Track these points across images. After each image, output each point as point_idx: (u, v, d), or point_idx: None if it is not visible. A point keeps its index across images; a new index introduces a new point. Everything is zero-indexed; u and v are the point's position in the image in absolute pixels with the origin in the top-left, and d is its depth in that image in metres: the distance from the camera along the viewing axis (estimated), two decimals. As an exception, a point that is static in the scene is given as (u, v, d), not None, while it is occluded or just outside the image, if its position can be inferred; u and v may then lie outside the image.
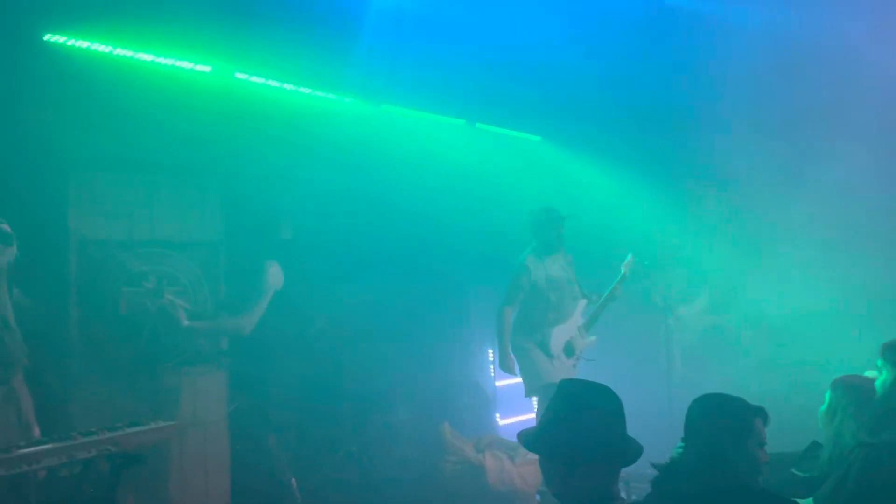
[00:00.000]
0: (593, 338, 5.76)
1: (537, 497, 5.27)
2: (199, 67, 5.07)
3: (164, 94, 4.77)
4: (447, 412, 6.50)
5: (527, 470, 5.24)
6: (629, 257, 5.83)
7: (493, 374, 7.46)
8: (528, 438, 2.27)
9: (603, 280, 6.11)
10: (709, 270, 7.67)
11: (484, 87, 6.42)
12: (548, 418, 2.26)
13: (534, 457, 5.23)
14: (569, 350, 5.51)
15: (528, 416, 6.92)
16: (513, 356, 5.60)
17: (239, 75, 5.36)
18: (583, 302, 5.79)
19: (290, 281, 5.41)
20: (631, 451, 2.17)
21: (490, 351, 7.50)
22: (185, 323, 4.48)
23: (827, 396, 3.26)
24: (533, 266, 5.60)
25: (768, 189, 7.13)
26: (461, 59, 5.95)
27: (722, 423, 2.42)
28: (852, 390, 3.19)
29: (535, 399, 5.81)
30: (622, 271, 5.79)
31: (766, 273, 7.21)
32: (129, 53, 4.70)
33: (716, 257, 7.59)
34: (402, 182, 6.16)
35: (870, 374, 3.43)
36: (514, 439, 5.70)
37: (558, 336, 5.51)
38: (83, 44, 4.51)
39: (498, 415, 7.37)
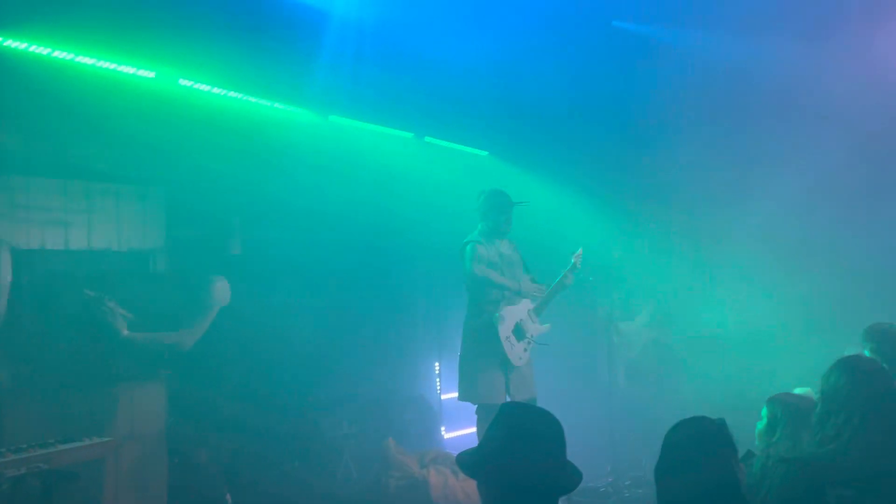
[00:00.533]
0: (547, 325, 5.68)
1: (480, 511, 5.26)
2: (142, 73, 4.96)
3: (104, 99, 4.64)
4: (392, 427, 6.47)
5: (470, 486, 5.21)
6: (579, 249, 5.75)
7: (438, 388, 7.45)
8: (467, 462, 2.26)
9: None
10: (651, 286, 7.83)
11: (432, 101, 6.46)
12: (488, 442, 2.24)
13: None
14: (519, 332, 5.39)
15: (473, 429, 6.92)
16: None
17: (183, 82, 5.25)
18: (532, 286, 5.63)
19: (236, 295, 5.32)
20: (570, 478, 2.18)
21: (436, 364, 7.50)
22: (125, 333, 4.32)
23: (763, 413, 3.34)
24: (483, 244, 5.44)
25: (711, 206, 7.36)
26: (410, 74, 5.98)
27: (723, 449, 2.42)
28: (788, 408, 3.27)
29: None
30: (572, 261, 5.67)
31: (708, 289, 7.43)
32: (68, 56, 4.56)
33: (659, 272, 7.76)
34: (349, 194, 6.13)
35: (800, 390, 3.53)
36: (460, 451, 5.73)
37: (510, 316, 5.34)
38: (21, 45, 4.36)
39: (443, 428, 7.36)
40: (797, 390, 3.89)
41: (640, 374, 7.63)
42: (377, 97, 6.13)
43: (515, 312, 5.39)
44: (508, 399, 5.23)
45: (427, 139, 7.27)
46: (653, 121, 7.18)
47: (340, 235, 6.18)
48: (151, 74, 4.99)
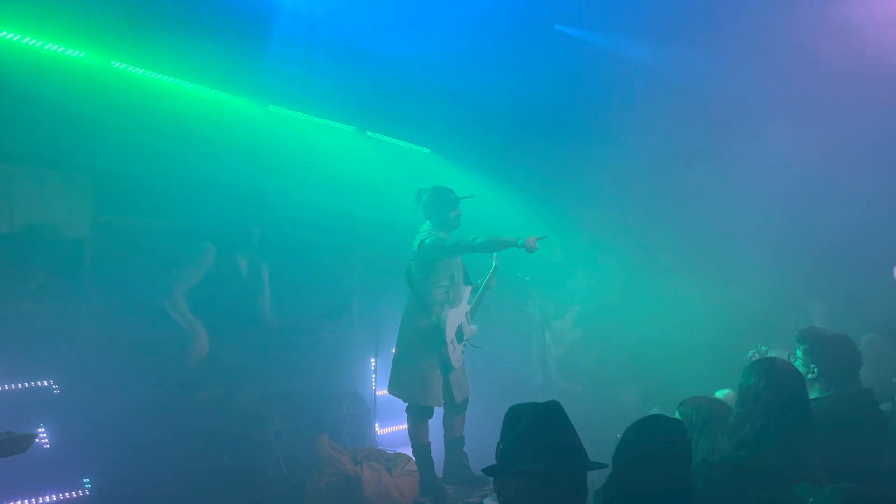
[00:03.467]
0: (474, 326, 5.71)
1: (413, 509, 5.25)
2: (71, 52, 4.75)
3: (26, 79, 4.42)
4: (325, 423, 6.37)
5: (404, 482, 5.20)
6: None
7: (373, 384, 7.40)
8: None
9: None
10: (584, 286, 7.97)
11: (375, 95, 6.40)
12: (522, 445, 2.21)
13: (411, 468, 5.25)
14: (459, 335, 5.39)
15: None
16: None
17: (115, 63, 5.07)
18: (469, 288, 5.61)
19: (166, 289, 5.17)
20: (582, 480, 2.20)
21: (372, 360, 7.44)
22: None
23: (677, 416, 3.40)
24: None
25: (646, 210, 7.53)
26: (353, 66, 5.92)
27: (682, 451, 2.46)
28: (701, 411, 3.33)
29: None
30: (493, 263, 5.67)
31: (639, 291, 7.60)
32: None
33: (593, 274, 7.90)
34: (286, 186, 6.01)
35: (720, 394, 3.62)
36: (392, 449, 5.68)
37: (453, 319, 5.31)
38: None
39: (377, 425, 7.30)
40: (718, 393, 3.98)
41: (569, 370, 7.77)
42: (319, 89, 6.04)
43: (457, 315, 5.40)
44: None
45: (369, 133, 7.20)
46: (592, 124, 7.31)
47: (274, 227, 6.06)
48: (80, 54, 4.80)
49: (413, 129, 7.43)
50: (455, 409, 5.45)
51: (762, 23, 6.05)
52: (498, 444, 2.28)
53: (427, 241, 5.30)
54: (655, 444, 2.48)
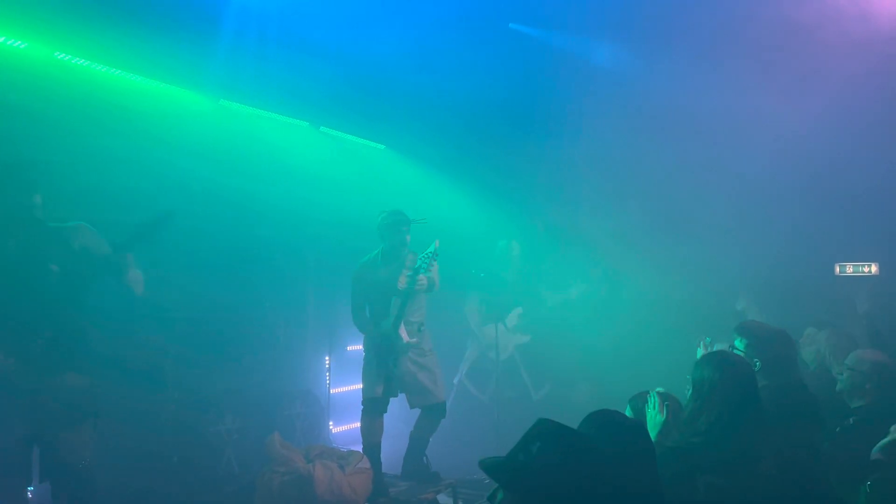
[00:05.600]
0: (414, 339, 5.75)
1: (365, 506, 5.23)
2: (12, 43, 4.61)
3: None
4: (278, 421, 6.32)
5: (357, 480, 5.17)
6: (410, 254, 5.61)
7: (328, 382, 7.35)
8: (501, 471, 2.14)
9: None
10: (529, 287, 8.02)
11: (329, 91, 6.35)
12: (530, 459, 2.14)
13: (364, 465, 5.22)
14: (398, 349, 5.44)
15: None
16: None
17: (59, 55, 4.93)
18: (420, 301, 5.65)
19: (112, 284, 5.01)
20: None
21: (326, 358, 7.39)
22: None
23: (627, 411, 3.46)
24: (366, 271, 5.55)
25: (594, 210, 7.64)
26: (307, 61, 5.85)
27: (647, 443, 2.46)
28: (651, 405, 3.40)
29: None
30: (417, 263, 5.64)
31: (584, 291, 7.72)
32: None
33: (539, 274, 7.98)
34: (240, 181, 5.92)
35: (659, 390, 3.69)
36: (346, 447, 5.66)
37: (392, 335, 5.41)
38: None
39: (332, 423, 7.26)
40: (658, 389, 4.06)
41: (512, 373, 7.87)
42: (271, 83, 5.96)
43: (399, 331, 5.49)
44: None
45: (323, 129, 7.15)
46: (546, 121, 7.38)
47: (228, 224, 5.96)
48: (22, 45, 4.65)
49: (368, 126, 7.39)
50: (423, 412, 5.62)
51: (711, 24, 6.19)
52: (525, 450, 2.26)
53: (353, 272, 5.60)
54: (618, 445, 2.47)
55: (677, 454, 3.06)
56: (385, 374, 5.47)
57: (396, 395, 5.62)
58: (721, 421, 3.06)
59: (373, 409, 5.51)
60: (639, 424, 2.46)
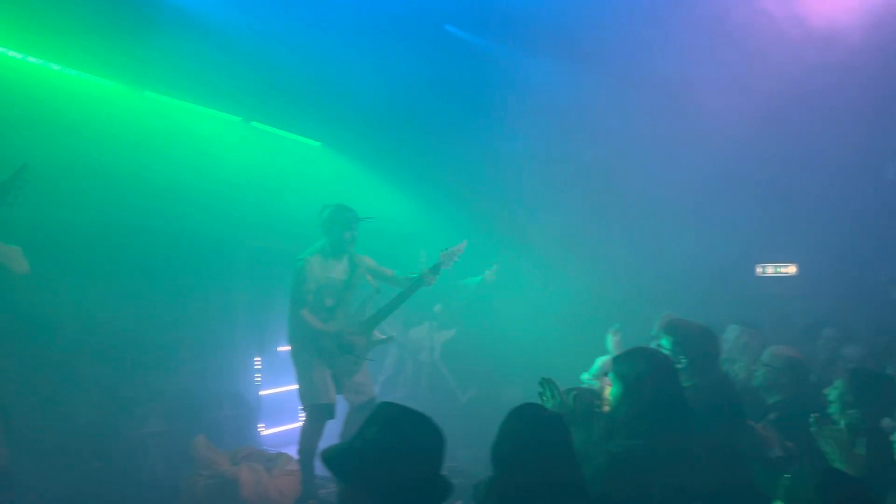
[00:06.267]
0: (389, 336, 5.66)
1: (294, 509, 5.14)
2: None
3: None
4: (205, 423, 6.14)
5: (284, 482, 5.08)
6: (441, 255, 5.56)
7: (258, 383, 7.19)
8: (343, 466, 2.10)
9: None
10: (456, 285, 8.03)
11: (259, 85, 6.22)
12: (363, 443, 2.10)
13: (293, 467, 5.13)
14: (345, 348, 5.33)
15: (294, 425, 6.77)
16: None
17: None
18: (368, 298, 5.54)
19: (28, 280, 4.78)
20: (442, 489, 2.12)
21: (257, 359, 7.23)
22: None
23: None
24: (314, 265, 5.29)
25: (519, 210, 7.74)
26: (237, 54, 5.71)
27: (563, 439, 2.47)
28: (581, 402, 3.43)
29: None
30: (423, 271, 5.52)
31: (505, 288, 7.80)
32: None
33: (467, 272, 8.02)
34: (164, 175, 5.73)
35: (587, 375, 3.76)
36: (276, 450, 5.54)
37: (333, 334, 5.29)
38: None
39: (262, 425, 7.10)
40: (584, 376, 4.14)
41: (439, 375, 7.88)
42: (199, 75, 5.79)
43: (342, 330, 5.36)
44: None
45: (254, 124, 7.00)
46: (478, 121, 7.41)
47: (153, 219, 5.77)
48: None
49: (301, 122, 7.27)
50: (357, 411, 5.48)
51: (640, 25, 6.33)
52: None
53: (296, 267, 5.32)
54: (539, 436, 2.47)
55: (627, 460, 3.04)
56: (336, 377, 5.33)
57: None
58: (658, 421, 3.08)
59: (323, 415, 5.30)
60: (555, 416, 2.48)
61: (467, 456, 6.22)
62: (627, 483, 2.95)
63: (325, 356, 5.29)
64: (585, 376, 4.68)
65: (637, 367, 3.22)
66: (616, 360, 3.36)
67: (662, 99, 6.57)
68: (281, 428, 7.16)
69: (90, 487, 5.23)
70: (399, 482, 2.01)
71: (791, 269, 6.52)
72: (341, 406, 5.56)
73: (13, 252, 4.06)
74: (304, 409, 5.41)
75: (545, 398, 3.31)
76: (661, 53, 6.28)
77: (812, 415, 3.31)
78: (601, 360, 4.73)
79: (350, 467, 2.07)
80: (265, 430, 7.13)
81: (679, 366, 3.70)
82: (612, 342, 4.93)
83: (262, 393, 7.13)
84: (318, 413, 5.28)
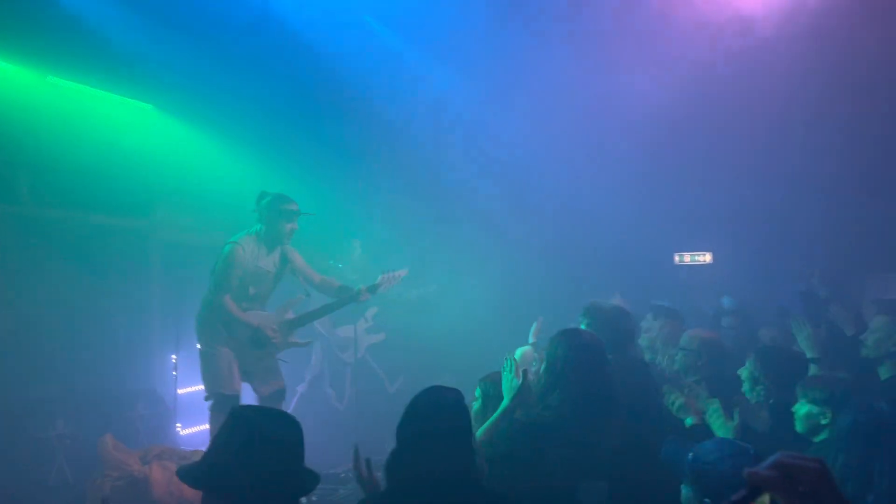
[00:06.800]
0: (306, 341, 5.51)
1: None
2: None
3: None
4: (118, 423, 5.90)
5: (201, 479, 4.91)
6: (380, 277, 5.39)
7: (175, 381, 6.93)
8: (192, 474, 2.04)
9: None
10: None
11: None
12: (217, 450, 2.05)
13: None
14: (260, 343, 5.17)
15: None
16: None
17: None
18: (295, 299, 5.41)
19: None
20: (307, 481, 2.09)
21: (173, 356, 6.97)
22: None
23: (477, 393, 3.48)
24: (244, 251, 5.05)
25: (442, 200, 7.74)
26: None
27: (459, 422, 2.46)
28: (498, 386, 3.43)
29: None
30: (360, 288, 5.34)
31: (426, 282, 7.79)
32: None
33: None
34: (67, 161, 5.46)
35: (519, 351, 3.75)
36: (192, 448, 5.34)
37: (252, 327, 5.10)
38: None
39: (179, 425, 6.86)
40: (518, 352, 4.15)
41: (365, 368, 7.81)
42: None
43: (258, 321, 5.16)
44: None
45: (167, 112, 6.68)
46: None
47: (61, 210, 5.50)
48: None
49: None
50: (268, 400, 5.26)
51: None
52: None
53: (223, 250, 5.05)
54: (436, 415, 2.47)
55: (529, 428, 3.13)
56: (243, 367, 5.15)
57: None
58: (573, 397, 3.16)
59: (228, 406, 5.13)
60: (455, 401, 2.48)
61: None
62: (523, 450, 3.03)
63: (235, 346, 5.10)
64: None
65: (561, 349, 3.29)
66: (550, 342, 3.43)
67: (581, 85, 6.61)
68: (200, 427, 6.92)
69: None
70: (258, 480, 1.97)
71: (707, 258, 6.70)
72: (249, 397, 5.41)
73: None
74: (208, 399, 5.18)
75: (503, 374, 3.31)
76: (583, 37, 6.32)
77: (687, 381, 3.40)
78: (522, 351, 4.75)
79: (206, 476, 2.03)
80: (183, 430, 6.89)
81: None
82: (534, 332, 4.97)
83: (179, 391, 6.88)
84: (223, 404, 5.03)
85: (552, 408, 3.18)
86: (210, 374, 5.17)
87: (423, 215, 7.79)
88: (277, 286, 5.38)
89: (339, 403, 7.80)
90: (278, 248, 5.25)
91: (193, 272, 5.93)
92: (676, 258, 6.76)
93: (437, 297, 7.84)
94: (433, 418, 2.42)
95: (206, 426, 6.79)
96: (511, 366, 3.33)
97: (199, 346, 5.24)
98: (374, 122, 7.11)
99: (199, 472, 2.03)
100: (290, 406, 6.45)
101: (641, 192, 6.78)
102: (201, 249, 5.87)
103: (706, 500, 2.04)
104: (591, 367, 3.24)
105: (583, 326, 3.97)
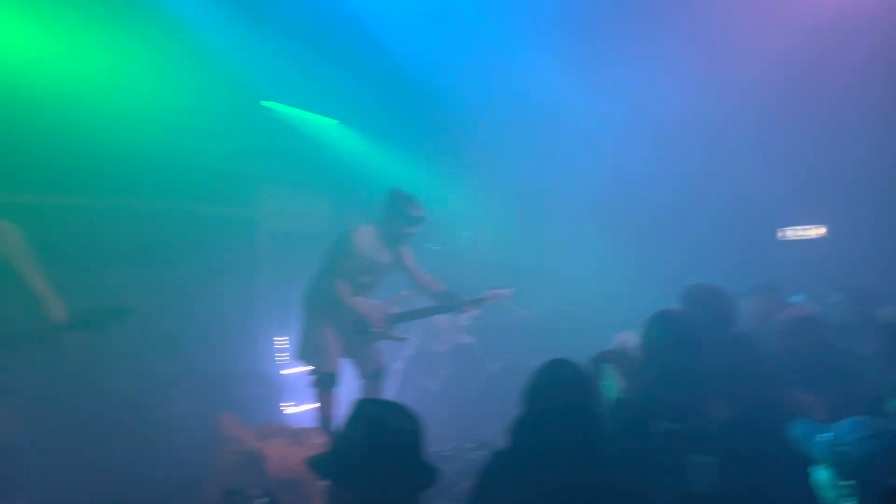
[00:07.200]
0: (404, 337, 5.66)
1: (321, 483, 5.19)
2: None
3: None
4: (230, 403, 6.22)
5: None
6: (486, 293, 5.54)
7: (280, 364, 7.26)
8: (320, 465, 2.15)
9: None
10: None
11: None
12: (341, 442, 2.15)
13: (319, 441, 5.19)
14: (361, 329, 5.37)
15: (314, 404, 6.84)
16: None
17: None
18: (402, 295, 5.54)
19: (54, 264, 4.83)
20: (427, 475, 2.14)
21: (280, 339, 7.29)
22: None
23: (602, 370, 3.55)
24: (364, 241, 5.21)
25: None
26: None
27: (586, 391, 2.58)
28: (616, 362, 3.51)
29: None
30: (463, 299, 5.48)
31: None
32: None
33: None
34: (187, 158, 5.75)
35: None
36: (304, 426, 5.60)
37: (357, 314, 5.29)
38: None
39: (285, 404, 7.18)
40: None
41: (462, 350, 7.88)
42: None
43: (365, 308, 5.34)
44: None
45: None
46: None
47: (172, 204, 5.81)
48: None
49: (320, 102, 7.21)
50: (368, 381, 5.54)
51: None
52: None
53: (344, 235, 5.19)
54: (565, 390, 2.56)
55: (628, 405, 3.24)
56: (343, 350, 5.39)
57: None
58: (667, 375, 3.19)
59: (328, 383, 5.42)
60: (582, 374, 2.53)
61: (496, 427, 6.26)
62: (624, 426, 3.08)
63: (338, 327, 5.33)
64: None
65: (655, 330, 3.38)
66: (645, 323, 3.47)
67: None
68: (303, 406, 7.23)
69: (123, 463, 5.34)
70: (381, 472, 2.04)
71: (816, 232, 6.42)
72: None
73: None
74: (310, 375, 5.47)
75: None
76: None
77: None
78: (619, 336, 4.74)
79: (332, 467, 2.12)
80: (290, 409, 7.21)
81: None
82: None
83: (286, 372, 7.20)
84: (323, 380, 5.37)
85: (648, 385, 3.25)
86: (312, 352, 5.43)
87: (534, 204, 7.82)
88: (386, 279, 5.51)
89: (434, 383, 7.95)
90: (398, 246, 5.38)
91: (297, 259, 6.17)
92: (780, 233, 6.52)
93: (538, 277, 7.84)
94: (562, 390, 2.47)
95: (312, 405, 7.15)
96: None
97: (303, 324, 5.45)
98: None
99: (326, 464, 2.14)
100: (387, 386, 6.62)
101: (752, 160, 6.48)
102: (304, 237, 6.09)
103: (850, 481, 1.98)
104: (683, 346, 3.28)
105: (680, 308, 3.97)
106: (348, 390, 5.63)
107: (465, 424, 6.47)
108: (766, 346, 4.56)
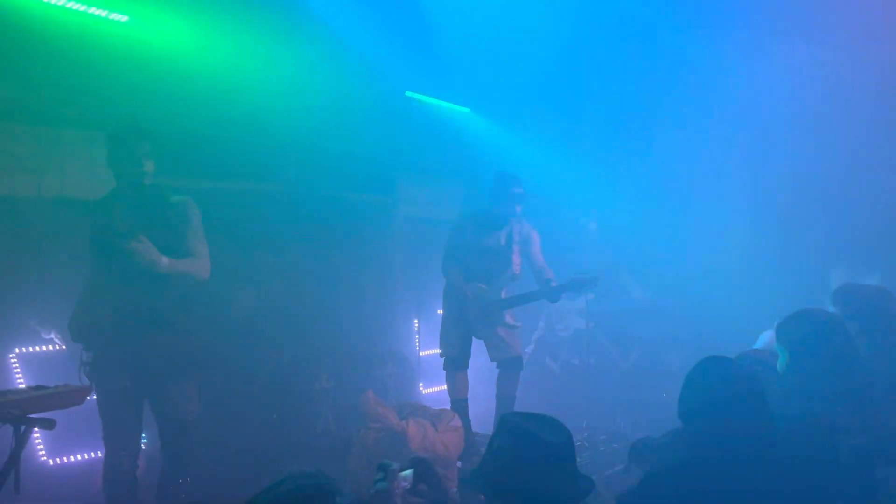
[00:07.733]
0: (515, 324, 5.61)
1: (458, 464, 5.31)
2: (114, 16, 4.79)
3: (72, 43, 4.48)
4: (371, 381, 6.48)
5: (449, 437, 5.25)
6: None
7: (417, 345, 7.47)
8: (474, 481, 2.15)
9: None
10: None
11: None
12: (493, 456, 2.13)
13: (456, 424, 5.30)
14: (474, 315, 5.45)
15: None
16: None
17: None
18: (513, 274, 5.50)
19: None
20: (582, 487, 2.10)
21: (416, 321, 7.50)
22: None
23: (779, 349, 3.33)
24: (464, 229, 5.42)
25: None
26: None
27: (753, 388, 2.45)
28: (761, 364, 3.28)
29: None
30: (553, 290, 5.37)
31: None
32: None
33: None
34: (327, 144, 6.01)
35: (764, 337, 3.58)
36: (438, 406, 5.77)
37: (469, 298, 5.43)
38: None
39: (421, 384, 7.39)
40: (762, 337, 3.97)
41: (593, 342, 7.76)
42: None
43: (483, 293, 5.45)
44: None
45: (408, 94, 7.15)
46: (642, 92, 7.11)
47: (319, 190, 6.09)
48: (124, 18, 4.83)
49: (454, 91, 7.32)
50: (502, 369, 5.63)
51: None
52: None
53: (458, 220, 5.48)
54: (727, 389, 2.41)
55: (819, 425, 2.86)
56: (463, 332, 5.56)
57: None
58: (811, 381, 2.92)
59: (453, 365, 5.65)
60: (744, 369, 2.40)
61: (627, 421, 6.17)
62: (812, 446, 2.77)
63: (460, 313, 5.50)
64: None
65: (801, 329, 3.03)
66: (779, 326, 3.17)
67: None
68: (438, 388, 7.40)
69: (269, 439, 5.71)
70: (534, 485, 2.01)
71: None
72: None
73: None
74: (441, 356, 5.73)
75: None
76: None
77: None
78: (766, 334, 4.49)
79: (486, 483, 2.11)
80: (425, 389, 7.41)
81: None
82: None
83: (421, 353, 7.41)
84: (448, 362, 5.65)
85: (813, 398, 2.91)
86: (441, 336, 5.73)
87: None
88: (511, 265, 5.47)
89: (553, 363, 7.90)
90: (506, 227, 5.40)
91: (431, 244, 6.31)
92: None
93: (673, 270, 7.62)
94: (725, 388, 2.36)
95: (445, 386, 7.33)
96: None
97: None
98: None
99: (480, 479, 2.15)
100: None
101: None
102: (438, 223, 6.22)
103: None
104: (828, 349, 2.95)
105: (831, 310, 3.64)
106: (486, 374, 5.74)
107: (591, 413, 6.42)
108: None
